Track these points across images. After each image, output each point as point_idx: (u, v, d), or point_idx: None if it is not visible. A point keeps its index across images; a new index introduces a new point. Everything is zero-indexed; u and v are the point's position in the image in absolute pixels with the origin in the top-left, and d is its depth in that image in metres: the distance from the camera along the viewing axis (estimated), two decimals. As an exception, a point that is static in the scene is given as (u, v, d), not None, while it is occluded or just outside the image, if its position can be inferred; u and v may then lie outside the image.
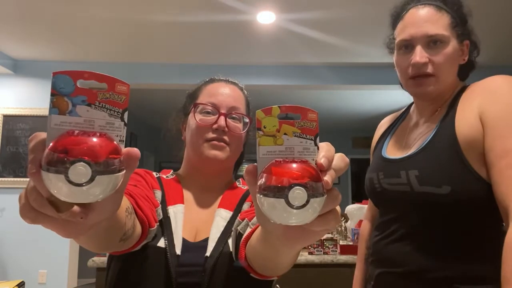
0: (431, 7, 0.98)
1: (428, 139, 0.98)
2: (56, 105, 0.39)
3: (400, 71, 1.03)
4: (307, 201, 0.38)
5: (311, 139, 0.42)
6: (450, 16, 0.98)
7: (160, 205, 0.90)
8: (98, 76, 0.41)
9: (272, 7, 3.04)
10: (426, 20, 0.97)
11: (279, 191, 0.38)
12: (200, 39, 3.62)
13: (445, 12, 0.98)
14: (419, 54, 0.95)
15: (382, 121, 1.26)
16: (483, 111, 0.90)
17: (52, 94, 0.39)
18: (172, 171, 1.05)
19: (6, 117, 4.06)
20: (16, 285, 3.18)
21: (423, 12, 0.98)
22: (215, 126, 0.93)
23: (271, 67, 4.32)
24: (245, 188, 1.02)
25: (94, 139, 0.38)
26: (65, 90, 0.40)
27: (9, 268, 3.89)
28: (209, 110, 0.95)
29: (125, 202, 0.70)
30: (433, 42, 0.96)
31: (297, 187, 0.38)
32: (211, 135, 0.93)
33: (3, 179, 3.98)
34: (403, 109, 1.22)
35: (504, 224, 0.87)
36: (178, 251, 0.86)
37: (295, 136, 0.42)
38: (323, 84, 4.39)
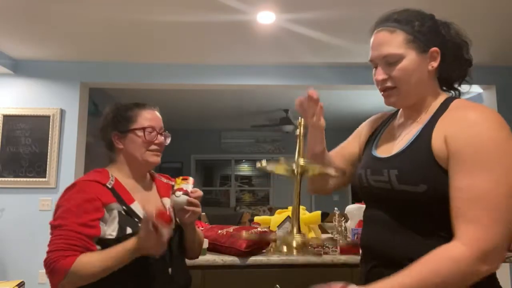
0: (384, 31, 1.12)
1: (408, 143, 1.08)
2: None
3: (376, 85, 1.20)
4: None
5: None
6: (404, 33, 1.10)
7: (125, 207, 1.36)
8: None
9: (272, 7, 3.04)
10: (380, 43, 1.12)
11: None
12: (200, 39, 3.62)
13: (399, 31, 1.10)
14: (378, 73, 1.15)
15: (379, 114, 1.37)
16: (448, 139, 1.00)
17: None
18: (110, 178, 1.41)
19: (6, 117, 4.06)
20: (16, 285, 3.18)
21: (378, 36, 1.13)
22: (156, 141, 1.49)
23: (271, 67, 4.32)
24: (165, 181, 1.63)
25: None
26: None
27: (9, 268, 3.89)
28: (150, 131, 1.47)
29: None
30: (389, 61, 1.11)
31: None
32: (154, 147, 1.48)
33: (3, 179, 3.97)
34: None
35: (453, 235, 0.94)
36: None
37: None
38: (323, 84, 4.39)
